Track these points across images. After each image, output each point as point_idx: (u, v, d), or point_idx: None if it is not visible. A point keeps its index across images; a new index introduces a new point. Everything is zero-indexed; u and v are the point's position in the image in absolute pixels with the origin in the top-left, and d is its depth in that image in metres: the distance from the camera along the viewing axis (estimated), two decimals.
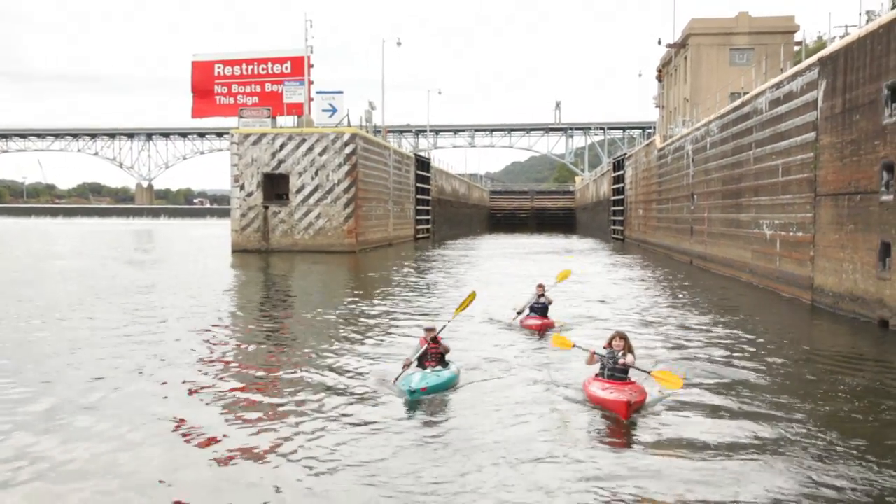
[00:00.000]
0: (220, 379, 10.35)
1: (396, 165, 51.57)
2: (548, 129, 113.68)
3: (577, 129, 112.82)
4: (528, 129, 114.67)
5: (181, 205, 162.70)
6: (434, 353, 9.89)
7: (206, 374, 10.67)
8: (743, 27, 50.07)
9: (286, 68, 42.87)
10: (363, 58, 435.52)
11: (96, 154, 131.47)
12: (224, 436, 7.76)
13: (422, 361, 9.87)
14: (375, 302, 19.04)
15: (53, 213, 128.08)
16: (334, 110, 41.30)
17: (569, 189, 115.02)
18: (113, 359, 11.46)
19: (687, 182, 35.82)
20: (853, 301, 16.56)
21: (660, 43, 56.66)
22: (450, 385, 9.59)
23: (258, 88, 43.43)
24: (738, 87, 39.00)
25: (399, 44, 54.07)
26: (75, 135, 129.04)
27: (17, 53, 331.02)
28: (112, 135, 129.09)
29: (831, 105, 17.97)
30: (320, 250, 38.93)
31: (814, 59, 19.27)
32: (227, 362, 11.57)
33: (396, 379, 9.67)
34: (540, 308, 14.52)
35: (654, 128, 63.82)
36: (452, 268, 31.67)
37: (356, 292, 21.94)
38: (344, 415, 8.50)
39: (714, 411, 8.72)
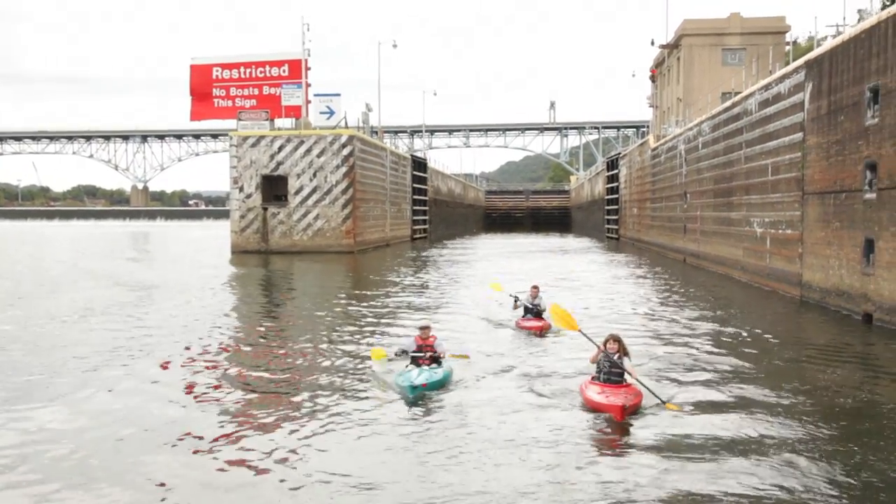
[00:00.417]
0: (220, 379, 10.45)
1: (393, 166, 52.06)
2: (542, 128, 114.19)
3: (571, 128, 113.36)
4: (522, 128, 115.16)
5: (176, 206, 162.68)
6: (428, 352, 9.99)
7: (205, 374, 10.76)
8: (735, 28, 50.69)
9: (284, 71, 43.33)
10: (363, 58, 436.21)
11: (91, 156, 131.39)
12: (222, 437, 7.79)
13: (416, 359, 9.96)
14: (374, 302, 19.40)
15: (49, 215, 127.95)
16: (332, 112, 41.78)
17: (564, 188, 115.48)
18: (113, 360, 11.60)
19: (680, 181, 36.40)
20: (839, 296, 17.13)
21: (653, 44, 57.30)
22: (446, 382, 9.74)
23: (256, 91, 43.89)
24: (729, 87, 39.63)
25: (395, 46, 54.57)
26: (70, 137, 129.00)
27: (15, 55, 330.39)
28: (107, 137, 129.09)
29: (817, 106, 18.55)
30: (319, 251, 39.39)
31: (800, 61, 19.85)
32: (228, 362, 11.71)
33: (394, 355, 10.22)
34: (534, 310, 14.50)
35: (648, 127, 64.41)
36: (449, 268, 32.15)
37: (355, 292, 22.33)
38: (340, 414, 8.56)
39: (707, 409, 8.85)
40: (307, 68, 42.80)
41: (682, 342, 13.35)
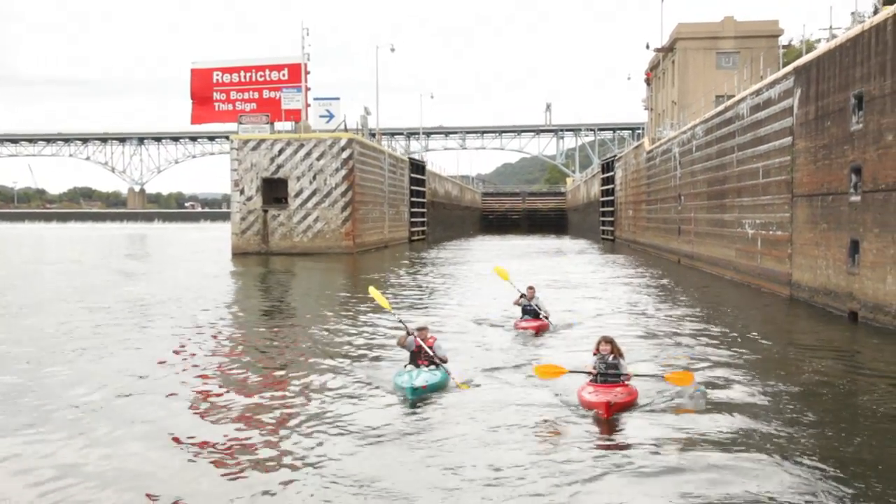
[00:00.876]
0: (218, 378, 10.56)
1: (391, 169, 52.62)
2: (538, 130, 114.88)
3: (567, 130, 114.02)
4: (519, 130, 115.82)
5: (173, 209, 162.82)
6: (427, 353, 10.01)
7: (204, 373, 10.86)
8: (729, 31, 51.36)
9: (284, 75, 43.85)
10: (363, 58, 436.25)
11: (88, 159, 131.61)
12: (221, 439, 7.83)
13: (415, 360, 10.02)
14: (373, 301, 19.80)
15: (47, 218, 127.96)
16: (331, 116, 42.34)
17: (560, 190, 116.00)
18: (114, 358, 11.85)
19: (674, 183, 37.02)
20: (826, 295, 17.74)
21: (648, 47, 57.97)
22: (445, 384, 9.80)
23: (256, 95, 44.38)
24: (723, 90, 40.29)
25: (393, 50, 55.14)
26: (67, 140, 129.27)
27: (9, 55, 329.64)
28: (104, 139, 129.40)
29: (806, 112, 19.17)
30: (318, 252, 39.89)
31: (789, 68, 20.48)
32: (227, 361, 11.86)
33: (405, 337, 10.07)
34: (532, 311, 14.64)
35: (644, 130, 65.08)
36: (448, 268, 32.67)
37: (355, 292, 22.61)
38: (338, 415, 8.62)
39: (702, 411, 8.92)
40: (307, 72, 43.34)
41: (674, 340, 13.74)
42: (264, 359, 12.37)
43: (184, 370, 11.18)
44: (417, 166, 63.53)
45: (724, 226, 27.28)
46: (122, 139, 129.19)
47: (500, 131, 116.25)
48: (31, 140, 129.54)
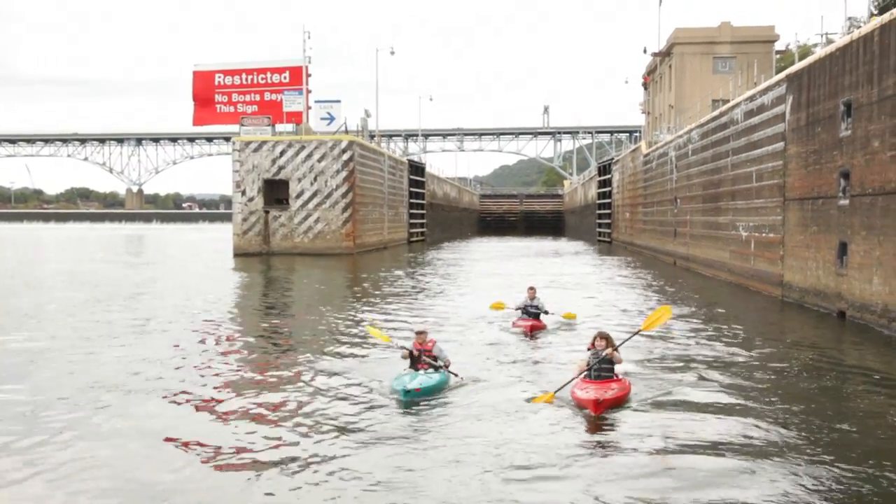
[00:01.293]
0: (218, 379, 10.65)
1: (391, 171, 53.15)
2: (536, 133, 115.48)
3: (565, 132, 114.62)
4: (517, 132, 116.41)
5: (170, 209, 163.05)
6: (427, 356, 10.15)
7: (204, 375, 10.96)
8: (725, 36, 51.97)
9: (285, 78, 44.37)
10: (363, 58, 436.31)
11: (86, 159, 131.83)
12: (220, 438, 7.89)
13: (415, 364, 10.12)
14: (373, 300, 20.14)
15: (45, 218, 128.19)
16: (332, 118, 42.92)
17: (557, 192, 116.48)
18: (115, 356, 12.04)
19: (670, 186, 37.59)
20: (816, 295, 18.31)
21: (645, 51, 58.65)
22: (442, 387, 9.88)
23: (257, 97, 44.91)
24: (720, 95, 40.88)
25: (392, 53, 55.68)
26: (65, 140, 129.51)
27: (8, 55, 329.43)
28: (102, 140, 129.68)
29: (797, 118, 19.74)
30: (319, 253, 40.38)
31: (782, 75, 21.06)
32: (228, 362, 11.97)
33: (398, 344, 10.33)
34: (533, 311, 14.75)
35: (641, 132, 65.69)
36: (446, 269, 33.17)
37: (355, 293, 23.03)
38: (335, 419, 8.66)
39: (693, 404, 9.18)
40: (308, 75, 43.87)
41: (669, 340, 14.09)
42: (264, 359, 12.47)
43: (184, 369, 11.27)
44: (417, 168, 64.09)
45: (719, 228, 27.84)
46: (121, 140, 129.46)
47: (498, 133, 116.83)
48: (29, 140, 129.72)
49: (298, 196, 41.28)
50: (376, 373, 10.88)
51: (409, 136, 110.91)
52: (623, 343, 9.83)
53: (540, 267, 34.60)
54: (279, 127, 42.79)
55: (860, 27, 17.27)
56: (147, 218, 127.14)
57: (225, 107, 45.29)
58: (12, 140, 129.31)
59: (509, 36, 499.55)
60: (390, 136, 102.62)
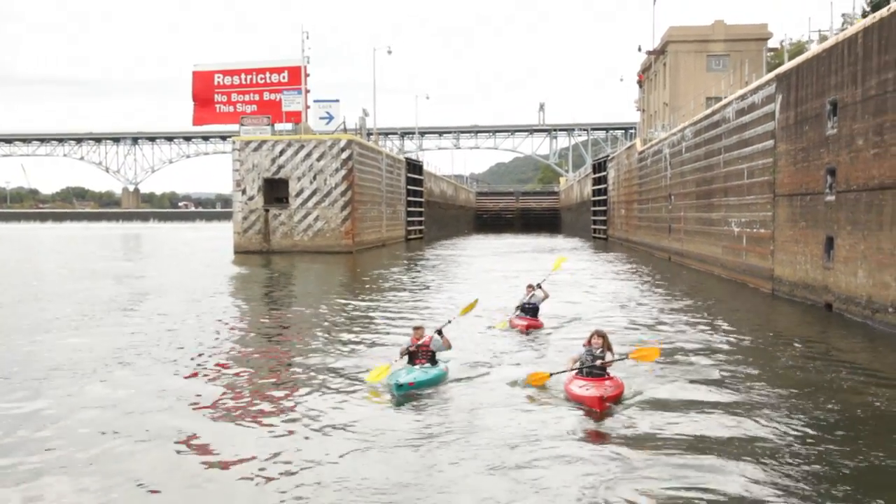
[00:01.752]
0: (216, 376, 10.77)
1: (389, 169, 53.67)
2: (532, 130, 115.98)
3: (560, 130, 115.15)
4: (512, 130, 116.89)
5: (166, 208, 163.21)
6: (424, 352, 10.24)
7: (201, 372, 11.07)
8: (719, 35, 52.59)
9: (284, 78, 44.81)
10: (363, 58, 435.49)
11: (82, 159, 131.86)
12: (217, 440, 7.89)
13: (413, 359, 10.20)
14: (372, 300, 20.41)
15: (42, 217, 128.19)
16: (331, 118, 43.40)
17: (554, 190, 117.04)
18: (115, 354, 12.14)
19: (665, 183, 38.19)
20: (805, 288, 18.92)
21: (640, 49, 59.25)
22: (437, 381, 9.92)
23: (257, 97, 45.33)
24: (714, 92, 41.46)
25: (390, 52, 56.18)
26: (61, 139, 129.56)
27: (14, 55, 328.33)
28: (98, 139, 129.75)
29: (786, 117, 20.33)
30: (318, 251, 40.88)
31: (771, 75, 21.65)
32: (225, 359, 12.07)
33: (395, 359, 10.27)
34: (530, 308, 14.79)
35: (636, 129, 66.29)
36: (444, 267, 33.72)
37: (354, 290, 23.40)
38: (333, 415, 8.70)
39: (686, 401, 9.27)
40: (306, 75, 44.33)
41: (662, 333, 14.49)
42: (263, 357, 12.58)
43: (183, 368, 11.38)
44: (415, 166, 64.61)
45: (712, 224, 28.45)
46: (117, 139, 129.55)
47: (494, 131, 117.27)
48: (25, 140, 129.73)
49: (298, 195, 41.77)
50: (373, 368, 10.82)
51: (405, 133, 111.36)
52: (612, 361, 9.72)
53: (536, 263, 35.16)
54: (278, 126, 43.26)
55: (853, 23, 17.84)
56: (144, 217, 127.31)
57: (224, 106, 45.72)
58: (8, 140, 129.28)
59: (509, 36, 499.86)
60: (386, 134, 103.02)
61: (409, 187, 61.62)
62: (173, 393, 9.80)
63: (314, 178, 41.62)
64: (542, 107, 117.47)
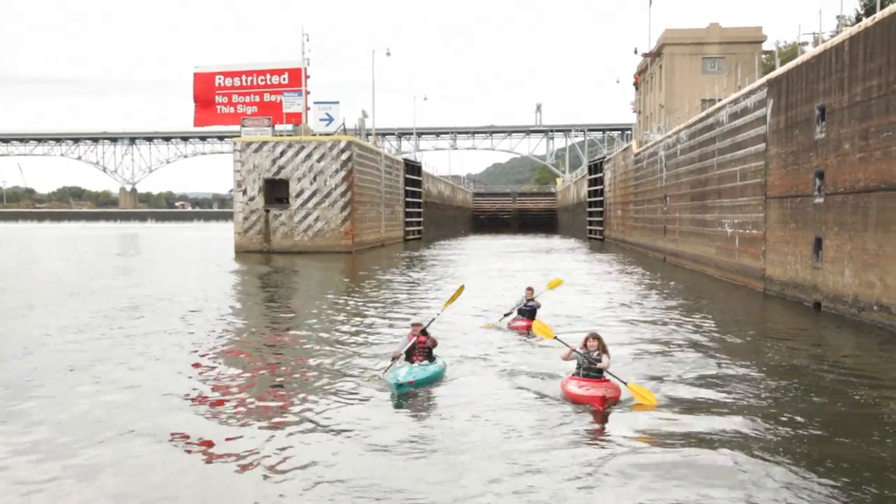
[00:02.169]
0: (214, 376, 10.82)
1: (388, 170, 54.19)
2: (529, 131, 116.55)
3: (557, 130, 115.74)
4: (509, 130, 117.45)
5: (163, 208, 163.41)
6: (422, 348, 10.25)
7: (200, 371, 11.12)
8: (714, 37, 53.22)
9: (284, 79, 45.35)
10: (363, 58, 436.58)
11: (79, 158, 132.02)
12: (215, 440, 7.88)
13: (410, 356, 10.18)
14: (371, 299, 20.78)
15: (40, 217, 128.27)
16: (331, 119, 43.93)
17: (550, 191, 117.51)
18: (116, 354, 12.20)
19: (660, 185, 38.76)
20: (795, 288, 19.50)
21: (636, 52, 59.90)
22: (436, 379, 9.96)
23: (257, 98, 45.87)
24: (709, 94, 42.05)
25: (388, 54, 56.70)
26: (58, 139, 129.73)
27: (14, 55, 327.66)
28: (95, 139, 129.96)
29: (777, 121, 20.92)
30: (318, 251, 41.38)
31: (763, 80, 22.24)
32: (225, 359, 12.13)
33: (386, 370, 10.11)
34: (528, 311, 14.87)
35: (633, 129, 66.88)
36: (442, 266, 34.21)
37: (355, 290, 23.73)
38: (333, 415, 8.72)
39: (682, 400, 9.38)
40: (307, 76, 44.86)
41: (657, 333, 14.79)
42: (263, 355, 12.69)
43: (182, 366, 11.46)
44: (413, 167, 65.14)
45: (706, 225, 29.03)
46: (114, 139, 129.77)
47: (491, 132, 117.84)
48: (23, 139, 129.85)
49: (298, 195, 42.27)
50: (373, 366, 11.02)
51: (402, 134, 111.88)
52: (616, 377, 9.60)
53: (533, 263, 35.70)
54: (278, 127, 43.77)
55: (848, 25, 18.39)
56: (142, 217, 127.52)
57: (225, 108, 46.24)
58: (5, 139, 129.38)
59: (509, 36, 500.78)
60: (383, 134, 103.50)
61: (408, 188, 62.14)
62: (173, 393, 9.80)
63: (314, 178, 42.13)
64: (538, 107, 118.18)
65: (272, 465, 7.11)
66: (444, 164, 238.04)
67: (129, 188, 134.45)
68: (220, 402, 9.44)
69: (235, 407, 9.22)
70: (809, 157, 18.45)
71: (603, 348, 9.56)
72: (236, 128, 43.68)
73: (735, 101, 25.10)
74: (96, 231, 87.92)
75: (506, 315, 15.34)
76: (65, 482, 6.67)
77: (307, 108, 44.64)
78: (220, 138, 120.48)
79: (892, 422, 8.61)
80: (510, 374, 10.88)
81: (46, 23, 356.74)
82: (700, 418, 8.64)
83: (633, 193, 48.20)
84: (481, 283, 24.28)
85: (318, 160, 42.17)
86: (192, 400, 9.56)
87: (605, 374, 9.42)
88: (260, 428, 8.28)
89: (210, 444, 7.76)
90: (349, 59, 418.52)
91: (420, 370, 9.81)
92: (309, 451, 7.49)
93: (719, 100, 28.34)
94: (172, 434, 8.01)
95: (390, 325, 15.53)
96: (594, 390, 8.93)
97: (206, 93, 46.14)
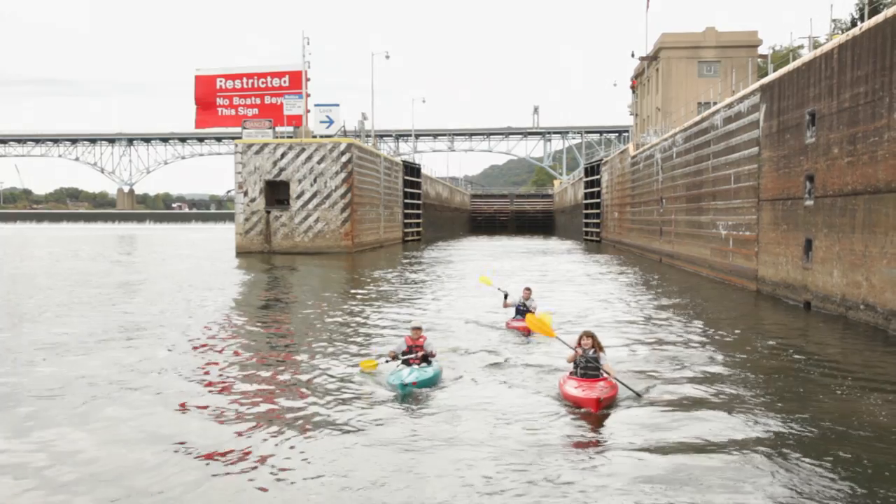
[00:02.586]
0: (217, 378, 10.84)
1: (387, 172, 54.67)
2: (526, 133, 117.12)
3: (554, 133, 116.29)
4: (506, 132, 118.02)
5: (161, 209, 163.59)
6: (417, 352, 10.43)
7: (201, 371, 11.18)
8: (710, 41, 53.80)
9: (285, 82, 45.82)
10: (362, 59, 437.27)
11: (77, 159, 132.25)
12: (215, 440, 7.94)
13: (408, 359, 10.36)
14: (371, 299, 21.13)
15: (38, 218, 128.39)
16: (331, 122, 44.41)
17: (548, 192, 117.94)
18: (117, 354, 12.28)
19: (656, 187, 39.30)
20: (786, 288, 20.03)
21: (633, 55, 60.46)
22: (436, 380, 10.19)
23: (258, 101, 46.33)
24: (705, 97, 42.64)
25: (387, 57, 57.19)
26: (56, 140, 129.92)
27: (12, 55, 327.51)
28: (93, 140, 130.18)
29: (770, 125, 21.46)
30: (318, 252, 41.84)
31: (756, 85, 22.78)
32: (225, 358, 12.22)
33: (385, 359, 10.55)
34: (525, 311, 14.90)
35: (630, 132, 67.45)
36: (441, 268, 34.59)
37: (354, 290, 24.07)
38: (332, 414, 8.82)
39: (679, 400, 9.50)
40: (307, 79, 45.34)
41: (652, 332, 15.15)
42: (263, 354, 12.76)
43: (182, 365, 11.54)
44: (412, 169, 65.64)
45: (701, 227, 29.56)
46: (112, 140, 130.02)
47: (488, 133, 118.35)
48: (20, 140, 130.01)
49: (299, 197, 42.72)
50: (376, 370, 10.97)
51: (399, 136, 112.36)
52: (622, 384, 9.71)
53: (530, 264, 36.18)
54: (279, 129, 44.23)
55: (843, 29, 18.95)
56: (140, 218, 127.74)
57: (226, 110, 46.69)
58: (3, 140, 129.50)
59: (509, 36, 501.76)
60: (381, 136, 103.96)
61: (407, 190, 62.61)
62: (173, 393, 9.86)
63: (314, 180, 42.59)
64: (536, 109, 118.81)
65: (275, 465, 7.16)
66: (442, 165, 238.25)
67: (126, 189, 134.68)
68: (221, 402, 9.44)
69: (236, 407, 9.22)
70: (800, 161, 18.98)
71: (597, 345, 9.71)
72: (235, 130, 44.11)
73: (729, 106, 25.64)
74: (96, 232, 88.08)
75: (506, 296, 15.59)
76: (68, 486, 6.67)
77: (308, 111, 45.11)
78: (218, 140, 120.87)
79: (879, 416, 8.99)
80: (509, 373, 11.05)
81: (42, 23, 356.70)
82: (693, 415, 8.81)
83: (630, 195, 48.71)
84: (481, 283, 24.64)
85: (319, 162, 42.63)
86: (192, 400, 9.57)
87: (601, 371, 9.54)
88: (260, 428, 8.31)
89: (211, 444, 7.78)
90: (349, 60, 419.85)
91: (420, 372, 10.05)
92: (309, 452, 7.56)
93: (714, 103, 28.91)
94: (173, 434, 8.05)
95: (391, 326, 15.77)
96: (590, 391, 9.06)
97: (207, 95, 46.59)
